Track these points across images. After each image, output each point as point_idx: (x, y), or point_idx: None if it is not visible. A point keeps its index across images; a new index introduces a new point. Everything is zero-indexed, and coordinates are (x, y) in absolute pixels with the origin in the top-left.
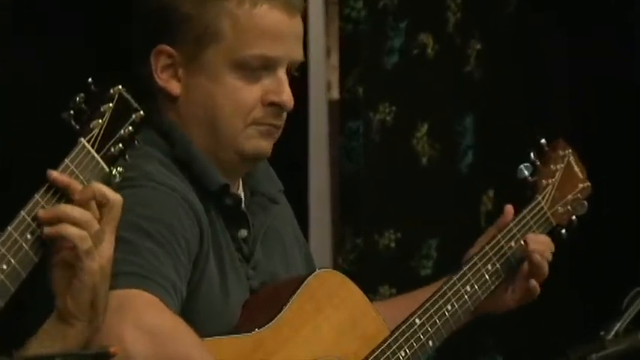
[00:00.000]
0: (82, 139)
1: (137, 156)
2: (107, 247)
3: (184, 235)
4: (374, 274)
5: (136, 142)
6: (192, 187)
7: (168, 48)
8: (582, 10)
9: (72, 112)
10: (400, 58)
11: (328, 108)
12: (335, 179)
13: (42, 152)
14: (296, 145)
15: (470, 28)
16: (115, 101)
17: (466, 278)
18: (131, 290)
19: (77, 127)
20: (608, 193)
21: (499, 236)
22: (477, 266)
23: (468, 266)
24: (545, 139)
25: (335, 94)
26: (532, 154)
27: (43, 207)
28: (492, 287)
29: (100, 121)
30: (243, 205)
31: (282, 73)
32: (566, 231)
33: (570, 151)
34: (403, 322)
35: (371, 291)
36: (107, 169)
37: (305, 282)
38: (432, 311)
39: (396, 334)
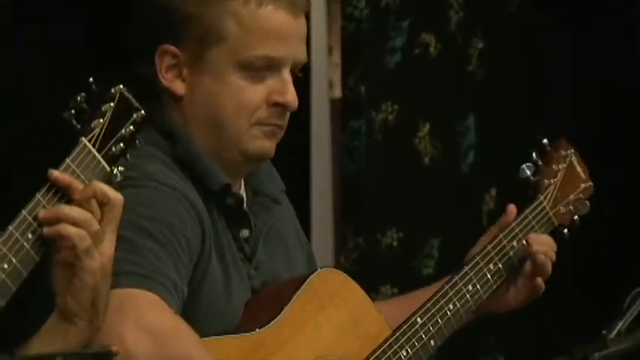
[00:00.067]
0: (83, 138)
1: (139, 156)
2: (108, 246)
3: (185, 234)
4: (376, 274)
5: (137, 141)
6: (194, 187)
7: (172, 48)
8: (584, 9)
9: (73, 111)
10: (402, 57)
11: (330, 107)
12: (337, 178)
13: (42, 152)
14: (298, 144)
15: (472, 27)
16: (116, 101)
17: (468, 277)
18: (132, 290)
19: (78, 126)
20: (610, 192)
21: (501, 236)
22: (479, 265)
23: (470, 266)
24: (547, 139)
25: (337, 93)
26: (534, 154)
27: (44, 206)
28: (494, 287)
29: (101, 120)
30: (245, 205)
31: (286, 74)
32: (568, 231)
33: (572, 150)
34: (405, 322)
35: (373, 290)
36: (108, 169)
37: (307, 281)
38: (433, 310)
39: (398, 333)
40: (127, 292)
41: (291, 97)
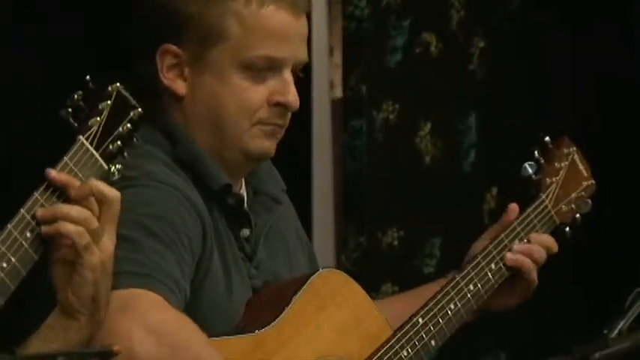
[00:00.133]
0: (81, 136)
1: (139, 155)
2: (108, 243)
3: (187, 233)
4: (377, 273)
5: (134, 139)
6: (195, 187)
7: (174, 47)
8: (585, 8)
9: (70, 109)
10: (403, 56)
11: (331, 106)
12: (338, 178)
13: (42, 152)
14: (299, 144)
15: (473, 26)
16: (113, 98)
17: (469, 277)
18: (135, 290)
19: (75, 124)
20: (611, 191)
21: (502, 235)
22: (481, 265)
23: (471, 265)
24: (549, 137)
25: (338, 92)
26: (536, 152)
27: (42, 205)
28: (496, 286)
29: (99, 118)
30: (245, 204)
31: (287, 74)
32: (570, 229)
33: (575, 148)
34: (406, 322)
35: (374, 290)
36: (106, 167)
37: (308, 281)
38: (435, 310)
39: (399, 333)
40: (131, 291)
41: (292, 97)
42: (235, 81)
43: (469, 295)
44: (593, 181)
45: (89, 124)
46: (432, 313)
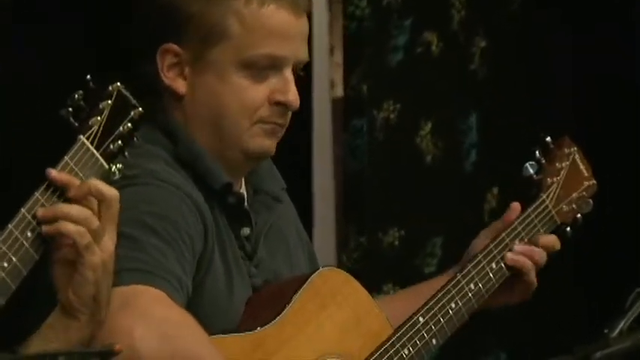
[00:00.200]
0: (81, 136)
1: (140, 155)
2: (108, 242)
3: (188, 232)
4: (378, 273)
5: (135, 138)
6: (196, 186)
7: (174, 47)
8: (586, 9)
9: (70, 109)
10: (404, 55)
11: (332, 106)
12: (339, 177)
13: (42, 152)
14: (300, 143)
15: (474, 26)
16: (113, 98)
17: (470, 276)
18: (137, 286)
19: (76, 124)
20: (612, 191)
21: (503, 234)
22: (482, 264)
23: (472, 264)
24: (550, 137)
25: (339, 92)
26: (537, 152)
27: (43, 205)
28: (496, 285)
29: (99, 118)
30: (246, 203)
31: (288, 73)
32: (571, 229)
33: (576, 149)
34: (407, 321)
35: (375, 289)
36: (106, 166)
37: (308, 280)
38: (435, 309)
39: (400, 332)
40: (132, 288)
41: (292, 96)
42: (236, 80)
43: (470, 295)
44: (594, 181)
45: (90, 123)
46: (432, 311)
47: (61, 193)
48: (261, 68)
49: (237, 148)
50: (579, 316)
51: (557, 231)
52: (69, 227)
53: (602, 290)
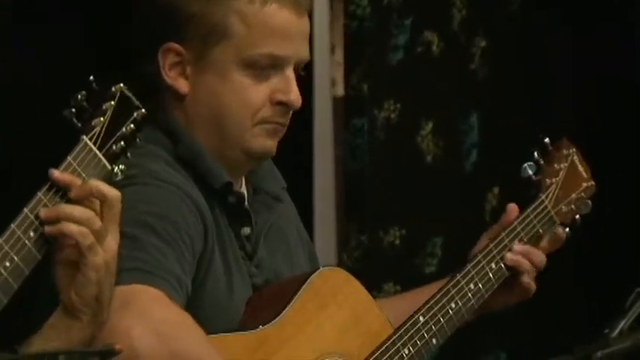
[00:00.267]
0: (84, 136)
1: (141, 155)
2: (111, 243)
3: (188, 231)
4: (379, 272)
5: (137, 139)
6: (196, 185)
7: (176, 46)
8: (586, 9)
9: (74, 109)
10: (405, 55)
11: (333, 105)
12: (339, 177)
13: (42, 152)
14: (301, 143)
15: (475, 26)
16: (116, 99)
17: (470, 276)
18: (136, 286)
19: (79, 124)
20: (611, 192)
21: (503, 234)
22: (481, 264)
23: (472, 264)
24: (549, 138)
25: (339, 91)
26: (536, 153)
27: (45, 205)
28: (496, 286)
29: (102, 118)
30: (246, 202)
31: (289, 72)
32: (570, 230)
33: (574, 150)
34: (407, 320)
35: (375, 288)
36: (109, 167)
37: (309, 280)
38: (435, 309)
39: (400, 331)
40: (131, 287)
41: (294, 96)
42: (237, 79)
43: (470, 294)
44: (592, 183)
45: (92, 124)
46: (433, 311)
47: (63, 193)
48: (262, 67)
49: (239, 148)
50: (579, 316)
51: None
52: (71, 228)
53: (601, 290)
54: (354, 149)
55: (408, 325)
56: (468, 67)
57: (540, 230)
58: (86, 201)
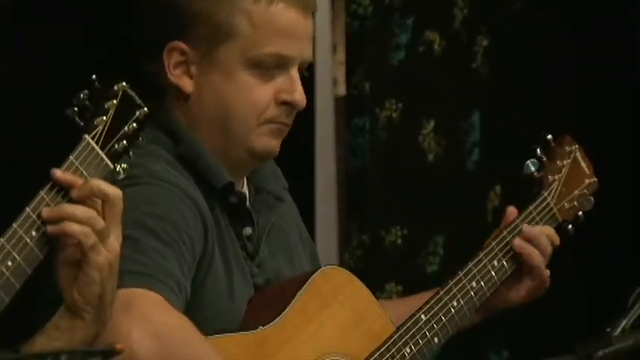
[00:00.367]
0: (87, 135)
1: (142, 154)
2: (114, 242)
3: (188, 232)
4: (380, 271)
5: (139, 138)
6: (198, 185)
7: (181, 45)
8: (585, 9)
9: (76, 108)
10: (406, 54)
11: (334, 104)
12: (341, 176)
13: (42, 152)
14: (302, 142)
15: (476, 25)
16: (119, 98)
17: (472, 274)
18: (137, 289)
19: (81, 123)
20: (612, 191)
21: (505, 232)
22: (483, 262)
23: (473, 262)
24: (551, 135)
25: (341, 90)
26: (538, 150)
27: (48, 204)
28: (498, 283)
29: (104, 117)
30: (247, 202)
31: (294, 72)
32: (573, 227)
33: (577, 146)
34: (409, 319)
35: (377, 288)
36: (111, 166)
37: (310, 279)
38: (437, 307)
39: (402, 330)
40: (132, 291)
41: (299, 96)
42: (242, 78)
43: (472, 293)
44: (595, 179)
45: (95, 123)
46: (434, 310)
47: (65, 192)
48: (268, 67)
49: (243, 148)
50: (580, 314)
51: (559, 228)
52: (74, 228)
53: (603, 289)
54: (355, 148)
55: (409, 323)
56: (469, 66)
57: None
58: (88, 200)
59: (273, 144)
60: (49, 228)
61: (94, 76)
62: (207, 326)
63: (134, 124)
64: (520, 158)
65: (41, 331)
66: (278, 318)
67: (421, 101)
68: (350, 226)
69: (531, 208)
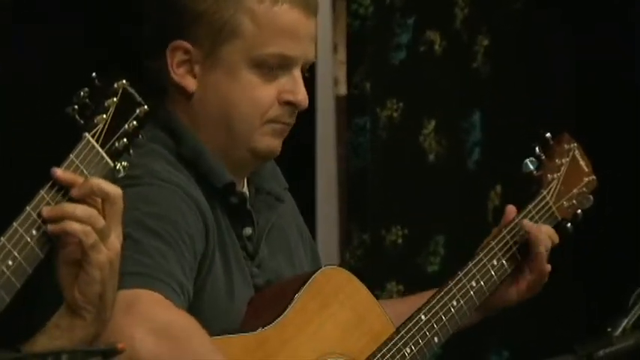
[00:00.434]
0: (87, 134)
1: (143, 154)
2: (115, 241)
3: (189, 232)
4: (381, 271)
5: (140, 136)
6: (198, 185)
7: (185, 44)
8: (586, 8)
9: (76, 106)
10: (407, 54)
11: (335, 104)
12: (342, 175)
13: (42, 152)
14: (303, 141)
15: (477, 25)
16: (119, 96)
17: (472, 274)
18: (138, 290)
19: (81, 121)
20: (612, 191)
21: (504, 232)
22: (483, 262)
23: (473, 262)
24: (550, 134)
25: (342, 90)
26: (537, 149)
27: (48, 203)
28: (498, 282)
29: (105, 115)
30: (248, 203)
31: (297, 72)
32: (572, 225)
33: (575, 144)
34: (409, 319)
35: (378, 287)
36: (112, 164)
37: (311, 279)
38: (437, 307)
39: (402, 330)
40: (134, 292)
41: (302, 96)
42: (246, 78)
43: (472, 292)
44: (594, 177)
45: (95, 121)
46: (434, 309)
47: (66, 191)
48: (271, 67)
49: (245, 147)
50: (579, 314)
51: (558, 227)
52: (74, 226)
53: (602, 289)
54: (356, 148)
55: (409, 323)
56: (470, 65)
57: None
58: (89, 199)
59: (275, 144)
60: (50, 227)
61: (94, 74)
62: (208, 326)
63: (134, 122)
64: (521, 158)
65: (42, 331)
66: (279, 318)
67: (422, 101)
68: (351, 226)
69: (530, 206)
